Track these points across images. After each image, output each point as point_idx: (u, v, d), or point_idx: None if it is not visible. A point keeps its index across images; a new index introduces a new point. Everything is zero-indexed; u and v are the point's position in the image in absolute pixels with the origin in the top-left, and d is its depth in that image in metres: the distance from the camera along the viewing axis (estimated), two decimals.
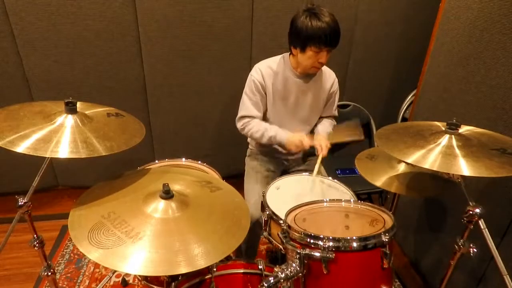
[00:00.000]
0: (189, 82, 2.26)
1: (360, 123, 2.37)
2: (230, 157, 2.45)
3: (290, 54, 1.67)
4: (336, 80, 1.80)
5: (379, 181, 1.46)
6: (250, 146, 1.98)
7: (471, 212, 1.08)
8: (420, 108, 1.89)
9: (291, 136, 1.66)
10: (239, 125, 1.76)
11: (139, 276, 1.44)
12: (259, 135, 1.70)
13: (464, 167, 1.01)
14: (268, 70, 1.68)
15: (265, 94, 1.70)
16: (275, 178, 1.63)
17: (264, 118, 1.77)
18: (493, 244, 1.05)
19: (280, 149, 1.84)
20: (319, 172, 1.65)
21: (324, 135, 1.77)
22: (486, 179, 1.44)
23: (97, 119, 1.18)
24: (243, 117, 1.73)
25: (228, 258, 1.28)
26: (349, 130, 2.22)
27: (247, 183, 1.81)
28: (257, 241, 1.81)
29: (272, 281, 1.03)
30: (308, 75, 1.69)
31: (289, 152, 1.87)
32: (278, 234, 1.19)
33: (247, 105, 1.71)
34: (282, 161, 1.91)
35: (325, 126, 1.85)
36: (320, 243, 1.04)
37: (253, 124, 1.71)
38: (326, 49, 1.52)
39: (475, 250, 1.16)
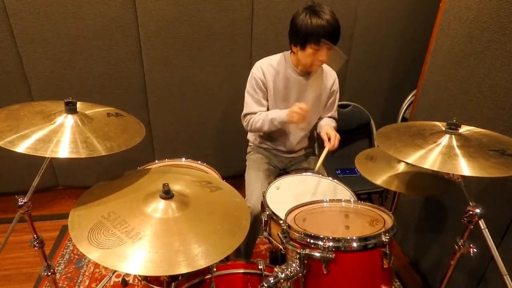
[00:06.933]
0: (189, 81, 2.26)
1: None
2: (230, 157, 2.46)
3: (290, 52, 1.67)
4: (337, 79, 1.80)
5: (379, 180, 1.46)
6: (250, 143, 1.98)
7: (471, 212, 1.08)
8: (420, 108, 1.89)
9: (290, 111, 1.58)
10: (243, 122, 1.78)
11: (139, 276, 1.44)
12: (261, 123, 1.69)
13: (464, 167, 1.01)
14: (269, 67, 1.68)
15: (266, 91, 1.70)
16: (276, 173, 1.62)
17: None
18: (493, 244, 1.05)
19: (280, 147, 1.84)
20: (318, 171, 1.64)
21: (331, 126, 1.72)
22: (486, 179, 1.44)
23: (97, 119, 1.18)
24: (246, 115, 1.75)
25: (228, 258, 1.28)
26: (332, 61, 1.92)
27: (249, 175, 1.81)
28: (256, 237, 1.81)
29: (272, 281, 1.03)
30: (309, 73, 1.69)
31: (290, 150, 1.87)
32: (278, 234, 1.19)
33: (250, 103, 1.72)
34: (283, 159, 1.91)
35: (328, 121, 1.84)
36: (320, 243, 1.04)
37: (254, 117, 1.72)
38: (326, 46, 1.52)
39: (475, 250, 1.16)
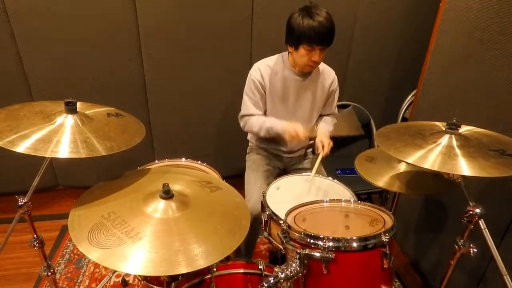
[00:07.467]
0: (189, 82, 2.26)
1: (356, 117, 2.35)
2: (230, 157, 2.45)
3: (288, 53, 1.67)
4: (336, 78, 1.80)
5: (381, 181, 1.46)
6: (250, 143, 1.98)
7: (471, 212, 1.08)
8: (420, 108, 1.89)
9: (287, 126, 1.63)
10: (241, 123, 1.79)
11: (139, 276, 1.44)
12: (257, 128, 1.71)
13: (464, 167, 1.01)
14: (267, 69, 1.68)
15: (265, 93, 1.71)
16: (275, 174, 1.62)
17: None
18: (493, 244, 1.05)
19: (281, 147, 1.84)
20: (319, 172, 1.65)
21: (325, 133, 1.74)
22: (486, 179, 1.44)
23: (97, 119, 1.18)
24: (244, 116, 1.76)
25: (228, 258, 1.28)
26: (348, 125, 2.15)
27: (248, 176, 1.81)
28: (257, 237, 1.81)
29: (272, 281, 1.03)
30: (307, 73, 1.69)
31: (290, 150, 1.87)
32: (278, 234, 1.19)
33: (248, 105, 1.73)
34: (283, 159, 1.91)
35: (327, 124, 1.84)
36: (320, 243, 1.04)
37: (252, 120, 1.73)
38: (318, 47, 1.51)
39: (475, 250, 1.16)
